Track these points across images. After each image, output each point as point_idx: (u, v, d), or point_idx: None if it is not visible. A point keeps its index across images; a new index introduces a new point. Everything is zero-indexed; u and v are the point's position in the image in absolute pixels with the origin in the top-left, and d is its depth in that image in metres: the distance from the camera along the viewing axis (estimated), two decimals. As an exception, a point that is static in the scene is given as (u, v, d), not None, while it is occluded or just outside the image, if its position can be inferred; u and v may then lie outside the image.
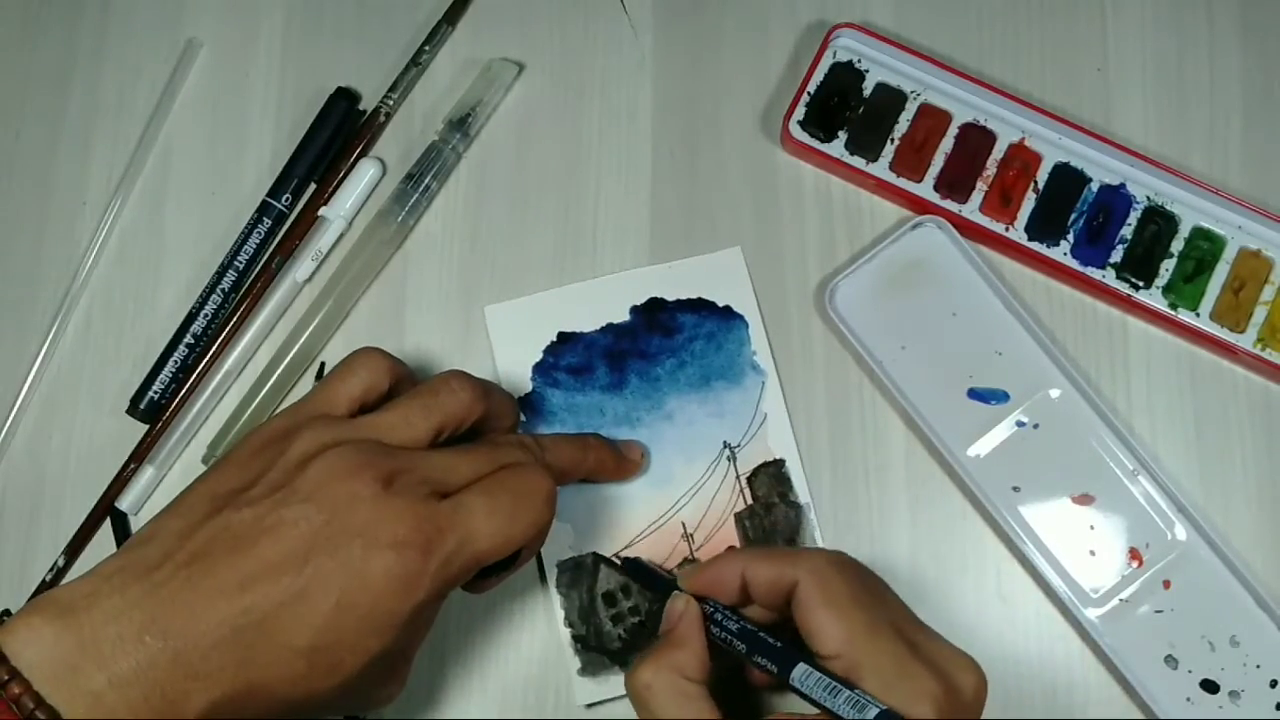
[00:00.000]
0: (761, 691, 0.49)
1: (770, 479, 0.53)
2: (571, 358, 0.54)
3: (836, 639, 0.41)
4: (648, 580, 0.50)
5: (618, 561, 0.52)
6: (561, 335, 0.55)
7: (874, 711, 0.37)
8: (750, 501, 0.53)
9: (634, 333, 0.55)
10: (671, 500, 0.53)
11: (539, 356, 0.55)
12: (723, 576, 0.45)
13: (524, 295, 0.55)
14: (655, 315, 0.55)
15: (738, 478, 0.53)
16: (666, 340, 0.54)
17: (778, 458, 0.53)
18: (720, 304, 0.55)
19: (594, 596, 0.52)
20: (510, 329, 0.55)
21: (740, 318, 0.55)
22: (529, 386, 0.54)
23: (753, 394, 0.54)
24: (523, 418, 0.53)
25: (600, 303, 0.55)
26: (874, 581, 0.44)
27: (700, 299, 0.55)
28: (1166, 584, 0.51)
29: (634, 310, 0.55)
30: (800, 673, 0.40)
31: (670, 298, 0.55)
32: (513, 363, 0.55)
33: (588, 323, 0.55)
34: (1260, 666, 0.51)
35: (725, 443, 0.53)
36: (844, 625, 0.41)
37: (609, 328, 0.55)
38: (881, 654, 0.40)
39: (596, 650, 0.51)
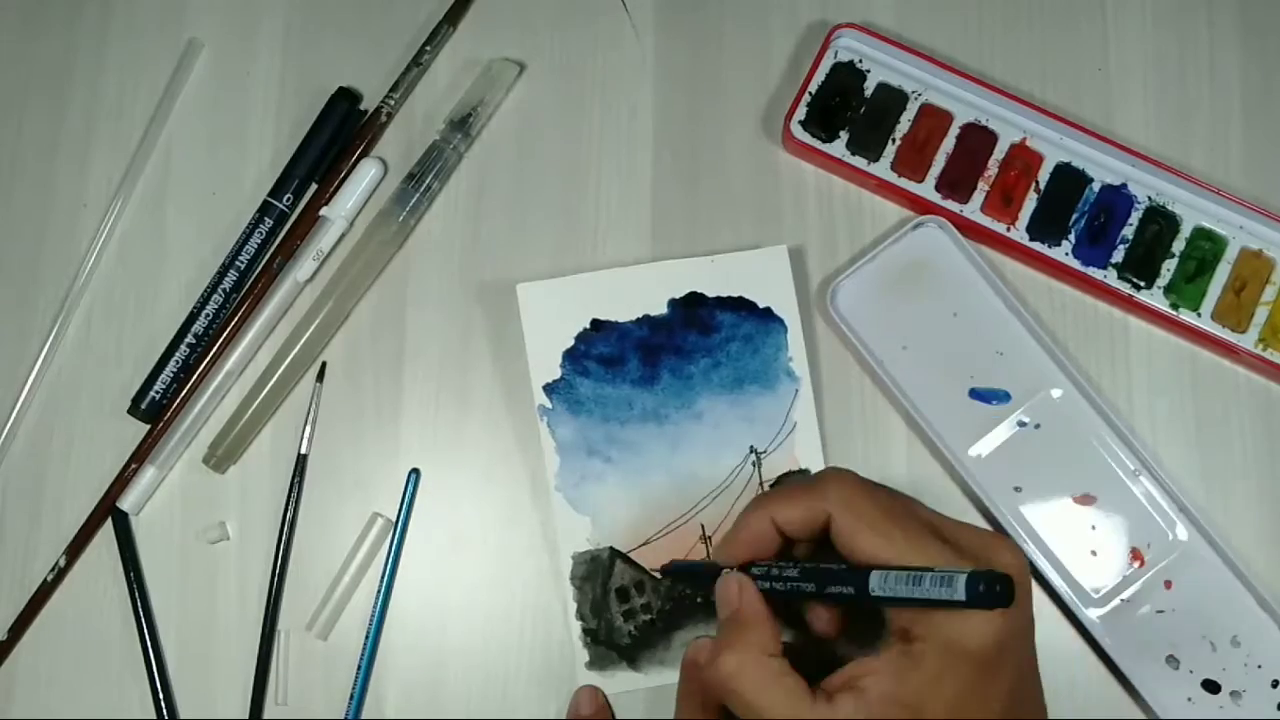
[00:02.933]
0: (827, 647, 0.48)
1: None
2: (604, 347, 0.54)
3: (883, 555, 0.41)
4: (694, 579, 0.50)
5: (637, 560, 0.52)
6: (595, 323, 0.54)
7: (962, 578, 0.37)
8: None
9: (670, 327, 0.54)
10: (693, 501, 0.53)
11: (570, 343, 0.54)
12: (758, 533, 0.45)
13: (559, 276, 0.55)
14: (694, 311, 0.54)
15: (761, 484, 0.53)
16: (703, 338, 0.54)
17: (803, 468, 0.53)
18: (761, 305, 0.54)
19: (608, 591, 0.52)
20: (542, 310, 0.54)
21: (780, 321, 0.54)
22: (558, 373, 0.54)
23: (785, 401, 0.54)
24: (549, 404, 0.53)
25: (637, 292, 0.54)
26: (895, 495, 0.45)
27: (741, 298, 0.54)
28: (1168, 584, 0.51)
29: (672, 303, 0.54)
30: (877, 578, 0.40)
31: (710, 293, 0.54)
32: (543, 345, 0.54)
33: (623, 312, 0.54)
34: (1262, 666, 0.51)
35: (752, 448, 0.53)
36: (886, 541, 0.42)
37: (645, 319, 0.54)
38: (926, 558, 0.41)
39: (606, 645, 0.52)
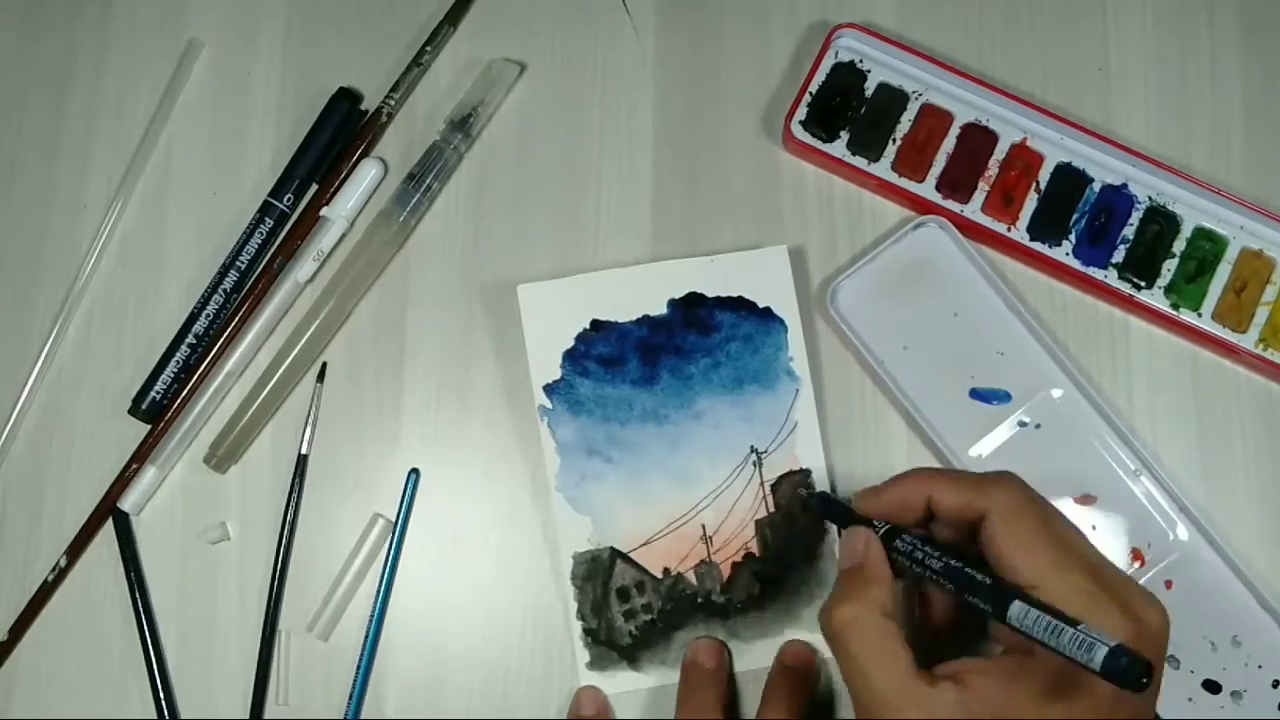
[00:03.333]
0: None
1: (794, 489, 0.53)
2: (604, 347, 0.54)
3: (1028, 575, 0.40)
4: (832, 514, 0.49)
5: (638, 560, 0.52)
6: (595, 323, 0.54)
7: (1103, 651, 0.35)
8: (772, 509, 0.53)
9: (670, 327, 0.54)
10: (693, 501, 0.53)
11: (570, 344, 0.54)
12: (908, 500, 0.44)
13: (559, 277, 0.55)
14: (693, 311, 0.54)
15: (761, 484, 0.53)
16: (703, 338, 0.54)
17: (804, 467, 0.53)
18: (760, 305, 0.54)
19: (608, 591, 0.52)
20: (543, 311, 0.54)
21: (780, 321, 0.54)
22: (558, 373, 0.54)
23: (785, 401, 0.53)
24: (549, 405, 0.53)
25: (637, 292, 0.54)
26: (1058, 516, 0.43)
27: (740, 298, 0.54)
28: (1168, 584, 0.51)
29: (671, 304, 0.54)
30: (1019, 611, 0.38)
31: (710, 293, 0.54)
32: (543, 346, 0.54)
33: (623, 312, 0.54)
34: (1262, 666, 0.51)
35: (752, 447, 0.53)
36: (1035, 563, 0.40)
37: (644, 320, 0.54)
38: (1072, 591, 0.39)
39: (606, 645, 0.52)
